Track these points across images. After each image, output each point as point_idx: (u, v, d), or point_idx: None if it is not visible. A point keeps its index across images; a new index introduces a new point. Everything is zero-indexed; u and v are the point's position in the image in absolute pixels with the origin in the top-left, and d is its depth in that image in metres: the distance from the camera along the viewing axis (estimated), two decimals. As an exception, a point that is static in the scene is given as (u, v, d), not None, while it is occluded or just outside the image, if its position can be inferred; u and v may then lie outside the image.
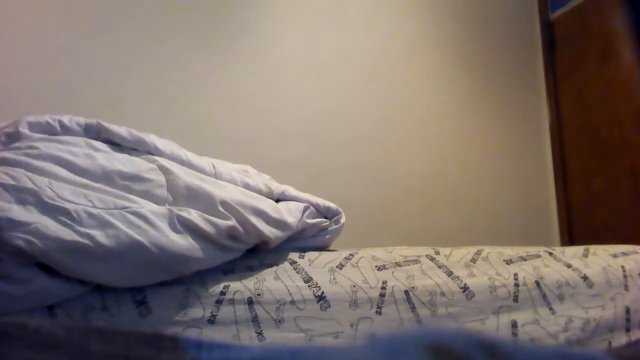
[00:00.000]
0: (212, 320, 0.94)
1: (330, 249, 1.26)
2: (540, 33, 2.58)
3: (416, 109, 2.31)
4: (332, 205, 1.29)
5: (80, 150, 1.05)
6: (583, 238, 2.22)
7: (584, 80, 2.35)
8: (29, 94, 1.75)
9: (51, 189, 0.90)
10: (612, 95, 2.22)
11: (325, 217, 1.28)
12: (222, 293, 0.98)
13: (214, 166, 1.19)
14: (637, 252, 1.41)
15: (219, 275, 1.01)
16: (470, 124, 2.39)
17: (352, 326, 1.03)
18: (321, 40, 2.21)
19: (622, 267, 1.33)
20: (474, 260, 1.24)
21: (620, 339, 1.22)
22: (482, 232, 2.26)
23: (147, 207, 0.96)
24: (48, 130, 1.11)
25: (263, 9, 2.14)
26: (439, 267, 1.19)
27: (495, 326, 1.13)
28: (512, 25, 2.55)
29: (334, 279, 1.08)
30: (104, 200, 0.93)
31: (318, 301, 1.02)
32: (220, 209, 1.02)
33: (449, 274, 1.17)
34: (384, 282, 1.10)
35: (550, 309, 1.19)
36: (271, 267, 1.07)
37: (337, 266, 1.11)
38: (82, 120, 1.16)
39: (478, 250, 1.28)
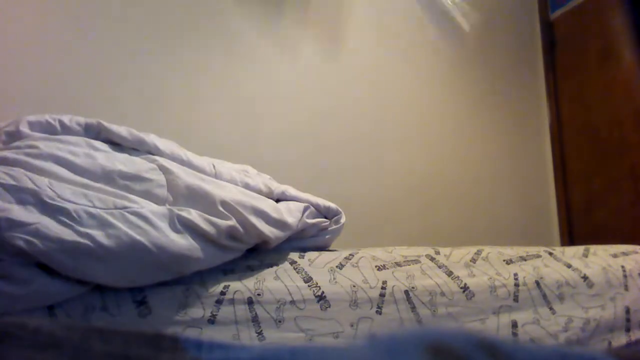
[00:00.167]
0: (212, 320, 0.94)
1: (330, 249, 1.26)
2: (540, 33, 2.58)
3: (416, 109, 2.31)
4: (332, 205, 1.29)
5: (81, 150, 1.05)
6: (583, 238, 2.22)
7: (584, 80, 2.35)
8: (29, 94, 1.75)
9: (51, 189, 0.90)
10: (612, 95, 2.22)
11: (325, 217, 1.28)
12: (222, 293, 0.98)
13: (214, 166, 1.19)
14: (637, 252, 1.41)
15: (219, 275, 1.01)
16: (470, 124, 2.39)
17: (352, 326, 1.03)
18: (322, 40, 2.20)
19: (622, 267, 1.33)
20: (474, 260, 1.24)
21: (620, 339, 1.22)
22: (482, 232, 2.26)
23: (147, 207, 0.96)
24: (48, 129, 1.11)
25: (262, 9, 2.14)
26: (439, 267, 1.19)
27: (495, 326, 1.13)
28: (512, 25, 2.55)
29: (334, 278, 1.08)
30: (104, 200, 0.93)
31: (318, 301, 1.02)
32: (221, 208, 1.02)
33: (449, 274, 1.17)
34: (384, 282, 1.10)
35: (551, 308, 1.19)
36: (271, 267, 1.07)
37: (337, 266, 1.11)
38: (82, 120, 1.16)
39: (478, 250, 1.28)
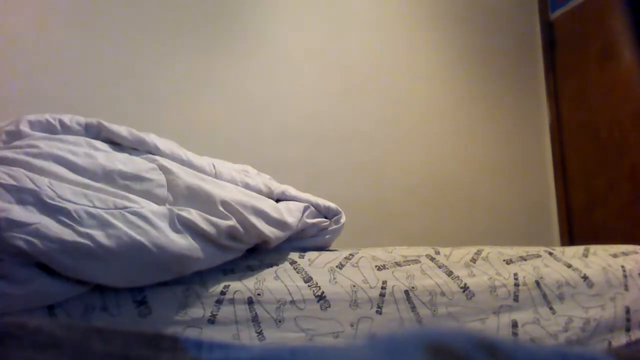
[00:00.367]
0: (212, 320, 0.94)
1: (330, 249, 1.26)
2: (540, 33, 2.58)
3: (416, 108, 2.31)
4: (332, 205, 1.29)
5: (81, 150, 1.05)
6: (583, 238, 2.22)
7: (584, 80, 2.35)
8: (29, 94, 1.75)
9: (51, 189, 0.90)
10: (612, 95, 2.21)
11: (326, 217, 1.28)
12: (222, 293, 0.98)
13: (214, 166, 1.19)
14: (637, 252, 1.41)
15: (219, 275, 1.01)
16: (470, 124, 2.39)
17: (352, 326, 1.03)
18: (321, 40, 2.21)
19: (622, 267, 1.33)
20: (474, 260, 1.24)
21: (620, 339, 1.22)
22: (482, 232, 2.26)
23: (147, 207, 0.96)
24: (48, 129, 1.11)
25: (263, 9, 2.14)
26: (439, 267, 1.19)
27: (495, 326, 1.13)
28: (512, 25, 2.55)
29: (334, 278, 1.08)
30: (104, 200, 0.93)
31: (318, 301, 1.02)
32: (221, 208, 1.02)
33: (449, 273, 1.17)
34: (384, 282, 1.10)
35: (551, 308, 1.19)
36: (271, 267, 1.07)
37: (337, 266, 1.11)
38: (82, 119, 1.16)
39: (478, 250, 1.28)
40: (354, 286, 1.07)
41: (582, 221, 2.36)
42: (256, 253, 1.10)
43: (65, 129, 1.13)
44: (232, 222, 1.00)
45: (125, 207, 0.93)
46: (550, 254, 1.33)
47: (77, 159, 1.01)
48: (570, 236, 2.40)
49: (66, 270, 0.84)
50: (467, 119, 2.39)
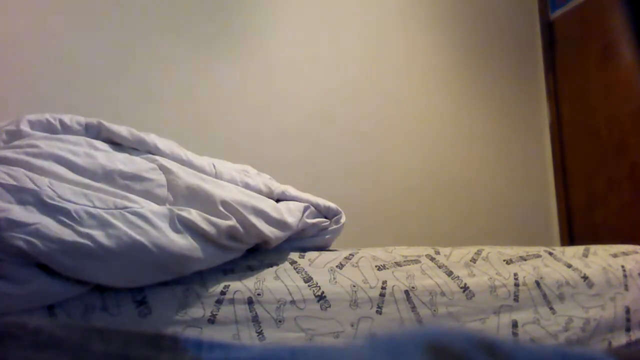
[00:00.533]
0: (212, 320, 0.94)
1: (330, 249, 1.26)
2: (540, 33, 2.58)
3: (416, 109, 2.31)
4: (332, 205, 1.29)
5: (81, 150, 1.05)
6: (583, 238, 2.22)
7: (584, 80, 2.35)
8: (29, 94, 1.75)
9: (51, 189, 0.90)
10: (612, 95, 2.21)
11: (326, 217, 1.28)
12: (222, 293, 0.98)
13: (214, 166, 1.19)
14: (637, 252, 1.41)
15: (219, 275, 1.01)
16: (470, 124, 2.39)
17: (352, 326, 1.03)
18: (321, 40, 2.21)
19: (622, 267, 1.33)
20: (474, 260, 1.24)
21: (620, 339, 1.22)
22: (482, 232, 2.26)
23: (147, 207, 0.96)
24: (49, 128, 1.11)
25: (263, 9, 2.14)
26: (439, 267, 1.19)
27: (495, 326, 1.13)
28: (512, 25, 2.55)
29: (334, 278, 1.08)
30: (104, 200, 0.93)
31: (318, 301, 1.02)
32: (221, 208, 1.02)
33: (449, 273, 1.17)
34: (384, 282, 1.10)
35: (551, 308, 1.19)
36: (271, 267, 1.07)
37: (337, 266, 1.11)
38: (82, 119, 1.16)
39: (478, 250, 1.28)
40: (354, 286, 1.07)
41: (582, 221, 2.36)
42: (256, 253, 1.10)
43: (66, 128, 1.13)
44: (232, 222, 1.00)
45: (125, 207, 0.93)
46: (550, 254, 1.33)
47: (77, 159, 1.01)
48: (570, 236, 2.40)
49: (66, 270, 0.84)
50: (467, 119, 2.39)
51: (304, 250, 1.17)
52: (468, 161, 2.35)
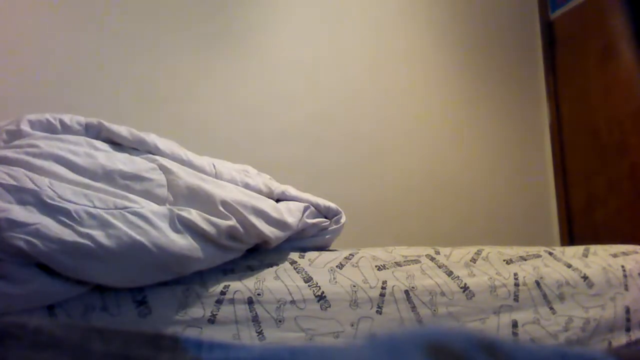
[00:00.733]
0: (212, 320, 0.94)
1: (331, 248, 1.26)
2: (540, 33, 2.58)
3: (416, 109, 2.31)
4: (332, 205, 1.29)
5: (81, 149, 1.05)
6: (583, 238, 2.22)
7: (584, 80, 2.35)
8: (29, 94, 1.75)
9: (52, 189, 0.90)
10: (612, 95, 2.21)
11: (326, 217, 1.28)
12: (222, 293, 0.98)
13: (214, 166, 1.19)
14: (637, 252, 1.41)
15: (219, 275, 1.01)
16: (470, 124, 2.39)
17: (352, 326, 1.03)
18: (321, 40, 2.21)
19: (622, 266, 1.33)
20: (474, 260, 1.24)
21: (620, 339, 1.22)
22: (482, 232, 2.26)
23: (147, 207, 0.96)
24: (49, 128, 1.11)
25: (262, 10, 2.14)
26: (439, 267, 1.19)
27: (495, 326, 1.13)
28: (512, 25, 2.55)
29: (334, 278, 1.08)
30: (104, 200, 0.93)
31: (318, 301, 1.02)
32: (221, 208, 1.02)
33: (449, 273, 1.17)
34: (384, 282, 1.10)
35: (551, 308, 1.19)
36: (271, 266, 1.07)
37: (337, 266, 1.11)
38: (82, 119, 1.16)
39: (478, 250, 1.28)
40: (354, 286, 1.07)
41: (582, 221, 2.36)
42: (256, 253, 1.10)
43: (66, 128, 1.13)
44: (232, 222, 1.00)
45: (125, 207, 0.93)
46: (550, 254, 1.33)
47: (78, 159, 1.01)
48: (570, 236, 2.40)
49: (66, 270, 0.84)
50: (467, 118, 2.39)
51: (304, 250, 1.17)
52: (468, 161, 2.35)
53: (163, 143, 1.18)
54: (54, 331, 0.33)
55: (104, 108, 1.80)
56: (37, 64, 1.79)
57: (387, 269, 1.14)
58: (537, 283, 1.22)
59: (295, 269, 1.08)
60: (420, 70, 2.35)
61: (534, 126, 2.52)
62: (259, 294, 0.99)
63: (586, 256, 1.35)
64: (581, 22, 2.38)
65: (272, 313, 0.98)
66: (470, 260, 1.23)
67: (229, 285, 0.99)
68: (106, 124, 1.15)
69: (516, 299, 1.18)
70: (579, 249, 1.39)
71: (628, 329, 1.24)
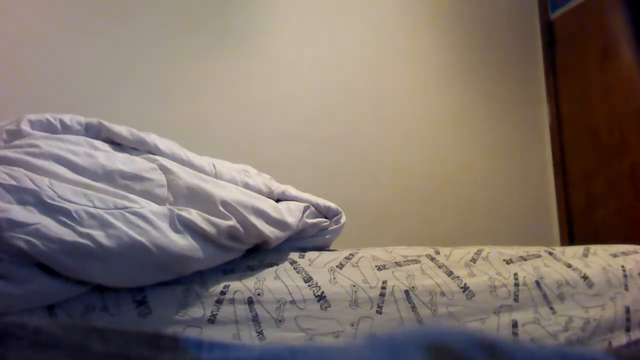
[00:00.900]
0: (212, 320, 0.94)
1: (331, 248, 1.26)
2: (540, 33, 2.58)
3: (416, 109, 2.31)
4: (332, 205, 1.29)
5: (81, 149, 1.05)
6: (583, 238, 2.22)
7: (584, 80, 2.35)
8: (29, 94, 1.75)
9: (52, 189, 0.90)
10: (612, 95, 2.21)
11: (326, 217, 1.28)
12: (222, 293, 0.98)
13: (214, 166, 1.19)
14: (637, 252, 1.41)
15: (219, 275, 1.01)
16: (470, 124, 2.39)
17: (352, 326, 1.03)
18: (321, 39, 2.21)
19: (622, 266, 1.33)
20: (474, 260, 1.24)
21: (620, 339, 1.22)
22: (482, 231, 2.26)
23: (147, 207, 0.96)
24: (49, 128, 1.11)
25: (263, 10, 2.14)
26: (439, 267, 1.19)
27: (495, 326, 1.13)
28: (512, 25, 2.55)
29: (334, 278, 1.08)
30: (104, 200, 0.93)
31: (318, 301, 1.02)
32: (221, 208, 1.02)
33: (449, 273, 1.17)
34: (384, 282, 1.10)
35: (551, 308, 1.19)
36: (271, 266, 1.07)
37: (337, 266, 1.11)
38: (82, 119, 1.16)
39: (478, 250, 1.28)
40: (354, 286, 1.07)
41: (582, 221, 2.36)
42: (256, 253, 1.10)
43: (66, 128, 1.13)
44: (232, 222, 1.00)
45: (125, 207, 0.93)
46: (550, 254, 1.33)
47: (78, 159, 1.01)
48: (570, 236, 2.40)
49: (66, 270, 0.84)
50: (467, 119, 2.39)
51: (304, 250, 1.17)
52: (468, 161, 2.35)
53: (163, 143, 1.18)
54: (54, 331, 0.33)
55: (104, 108, 1.80)
56: (37, 64, 1.79)
57: (387, 269, 1.14)
58: (537, 283, 1.22)
59: (295, 269, 1.08)
60: (420, 70, 2.35)
61: (534, 126, 2.52)
62: (259, 294, 0.99)
63: (586, 256, 1.35)
64: (581, 22, 2.38)
65: (272, 313, 0.98)
66: (470, 260, 1.23)
67: (229, 285, 0.99)
68: (106, 124, 1.15)
69: (516, 299, 1.18)
70: (579, 249, 1.39)
71: (628, 329, 1.24)
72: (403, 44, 2.33)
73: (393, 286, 1.10)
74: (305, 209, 1.21)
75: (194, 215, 0.97)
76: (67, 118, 1.14)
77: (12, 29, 1.78)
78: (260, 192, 1.20)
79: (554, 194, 2.48)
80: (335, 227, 1.27)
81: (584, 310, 1.21)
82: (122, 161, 1.06)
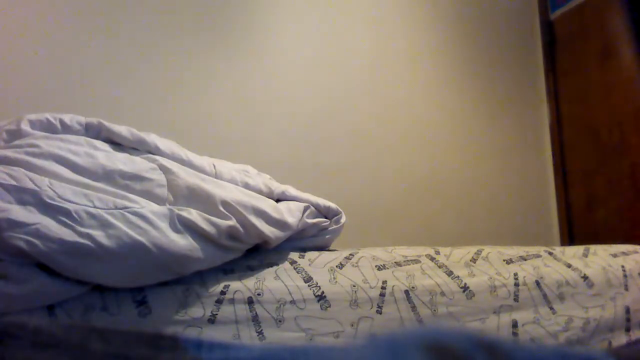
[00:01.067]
0: (212, 320, 0.94)
1: (330, 248, 1.26)
2: (540, 33, 2.58)
3: (416, 108, 2.31)
4: (332, 205, 1.29)
5: (81, 149, 1.05)
6: (583, 238, 2.22)
7: (584, 80, 2.35)
8: (29, 94, 1.75)
9: (52, 189, 0.90)
10: (612, 95, 2.21)
11: (326, 217, 1.28)
12: (222, 293, 0.98)
13: (214, 166, 1.19)
14: (637, 252, 1.41)
15: (219, 275, 1.01)
16: (470, 124, 2.39)
17: (352, 326, 1.03)
18: (321, 39, 2.21)
19: (622, 266, 1.33)
20: (474, 260, 1.24)
21: (620, 339, 1.22)
22: (482, 232, 2.26)
23: (147, 207, 0.96)
24: (49, 128, 1.11)
25: (264, 10, 2.14)
26: (439, 267, 1.19)
27: (495, 326, 1.13)
28: (512, 25, 2.55)
29: (334, 278, 1.08)
30: (104, 200, 0.93)
31: (318, 301, 1.02)
32: (221, 208, 1.02)
33: (449, 273, 1.17)
34: (384, 282, 1.10)
35: (551, 308, 1.19)
36: (271, 266, 1.07)
37: (337, 266, 1.11)
38: (82, 119, 1.16)
39: (478, 250, 1.28)
40: (354, 286, 1.07)
41: (582, 221, 2.36)
42: (256, 253, 1.10)
43: (66, 128, 1.13)
44: (232, 222, 1.00)
45: (125, 207, 0.93)
46: (550, 253, 1.33)
47: (78, 159, 1.01)
48: (570, 236, 2.40)
49: (66, 270, 0.84)
50: (467, 118, 2.39)
51: (304, 250, 1.17)
52: (468, 161, 2.35)
53: (163, 143, 1.18)
54: (54, 331, 0.33)
55: (104, 108, 1.80)
56: (37, 64, 1.79)
57: (387, 268, 1.14)
58: (537, 283, 1.22)
59: (295, 268, 1.08)
60: (420, 70, 2.35)
61: (534, 126, 2.52)
62: (259, 294, 0.99)
63: (586, 256, 1.35)
64: (581, 22, 2.38)
65: (272, 313, 0.98)
66: (470, 260, 1.23)
67: (229, 285, 0.99)
68: (106, 124, 1.15)
69: (516, 298, 1.18)
70: (579, 248, 1.39)
71: (628, 329, 1.24)
72: (403, 43, 2.33)
73: (393, 286, 1.10)
74: (305, 209, 1.21)
75: (194, 215, 0.97)
76: (67, 118, 1.14)
77: (12, 29, 1.78)
78: (260, 192, 1.20)
79: (554, 193, 2.48)
80: (335, 227, 1.27)
81: (584, 310, 1.21)
82: (122, 161, 1.06)
